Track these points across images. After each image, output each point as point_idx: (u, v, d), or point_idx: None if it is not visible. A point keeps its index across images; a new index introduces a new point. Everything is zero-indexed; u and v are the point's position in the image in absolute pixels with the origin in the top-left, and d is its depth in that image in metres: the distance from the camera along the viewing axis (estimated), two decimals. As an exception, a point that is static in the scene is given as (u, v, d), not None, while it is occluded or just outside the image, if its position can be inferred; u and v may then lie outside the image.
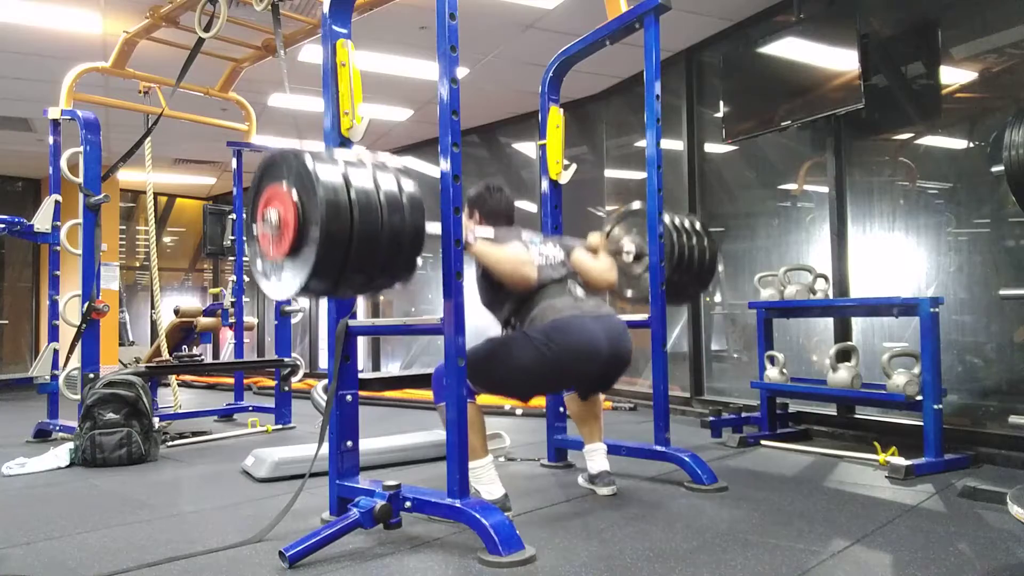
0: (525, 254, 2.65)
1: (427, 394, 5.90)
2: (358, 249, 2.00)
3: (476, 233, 2.63)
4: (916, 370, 3.28)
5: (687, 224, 3.32)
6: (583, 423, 2.97)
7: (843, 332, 4.06)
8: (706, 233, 3.36)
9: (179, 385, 5.74)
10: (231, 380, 6.35)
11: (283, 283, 2.08)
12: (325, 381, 5.06)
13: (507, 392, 2.64)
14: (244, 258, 5.50)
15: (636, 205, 3.36)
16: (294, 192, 2.02)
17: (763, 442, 3.85)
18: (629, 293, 3.31)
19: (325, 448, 2.44)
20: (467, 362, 2.51)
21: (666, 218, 3.21)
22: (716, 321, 5.32)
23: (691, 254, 3.26)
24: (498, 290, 2.68)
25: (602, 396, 3.06)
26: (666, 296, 3.13)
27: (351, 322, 2.47)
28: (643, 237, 3.25)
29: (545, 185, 3.46)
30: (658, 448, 3.08)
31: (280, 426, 4.85)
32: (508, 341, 2.60)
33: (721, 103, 4.68)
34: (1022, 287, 3.35)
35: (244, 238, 5.26)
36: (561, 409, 3.40)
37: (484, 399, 2.75)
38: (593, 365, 2.59)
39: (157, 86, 4.71)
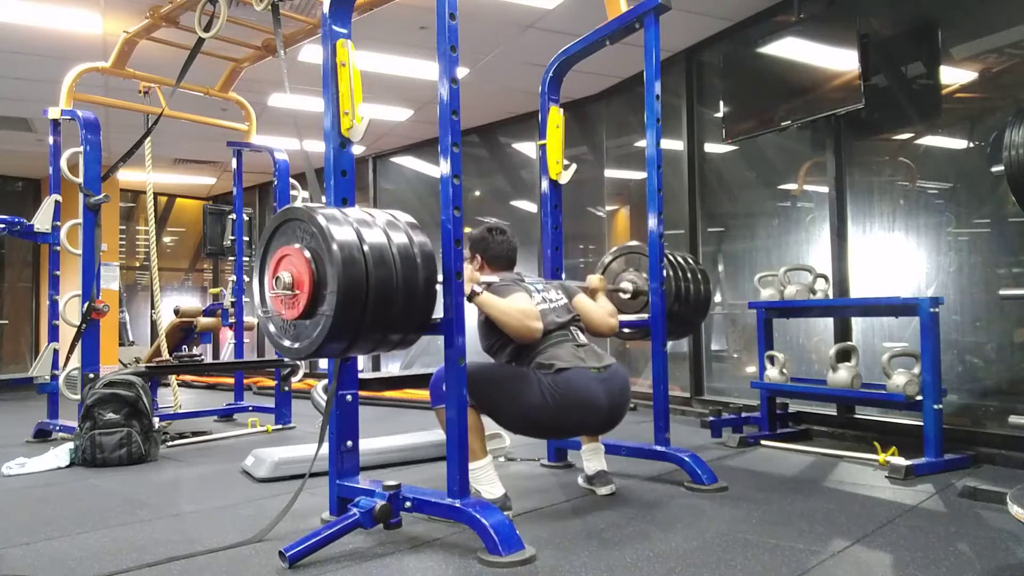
0: (530, 305, 2.63)
1: (427, 394, 5.93)
2: (374, 307, 2.00)
3: (480, 280, 2.64)
4: (916, 370, 3.28)
5: (681, 260, 3.50)
6: None
7: (843, 332, 4.06)
8: (701, 270, 3.57)
9: (179, 385, 5.74)
10: (231, 380, 6.35)
11: (298, 345, 2.08)
12: (325, 381, 5.07)
13: (500, 420, 2.62)
14: (244, 258, 5.51)
15: (632, 243, 3.58)
16: (307, 252, 2.02)
17: (763, 442, 3.85)
18: (627, 330, 3.43)
19: (325, 448, 2.44)
20: (473, 378, 2.52)
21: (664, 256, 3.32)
22: (716, 321, 5.32)
23: (688, 289, 3.45)
24: (499, 336, 2.67)
25: None
26: (667, 329, 3.20)
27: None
28: (639, 273, 3.43)
29: (545, 185, 3.47)
30: (658, 448, 3.08)
31: (280, 426, 4.85)
32: (517, 375, 2.58)
33: (721, 103, 4.68)
34: (1022, 287, 3.36)
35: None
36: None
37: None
38: (592, 417, 2.61)
39: (157, 86, 4.71)
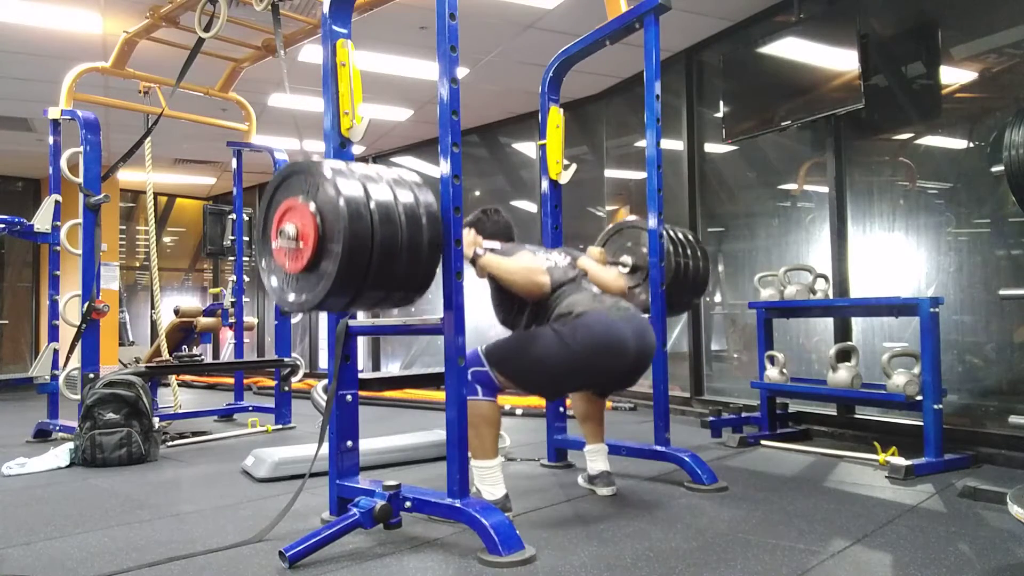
0: (535, 262, 2.64)
1: (427, 394, 5.94)
2: (379, 263, 2.00)
3: (483, 245, 2.64)
4: (916, 370, 3.28)
5: (681, 236, 3.43)
6: (586, 423, 2.96)
7: (843, 332, 4.06)
8: (700, 246, 3.49)
9: (179, 385, 5.74)
10: (231, 380, 6.35)
11: (301, 299, 2.08)
12: (325, 381, 5.06)
13: (534, 387, 2.61)
14: (244, 258, 5.51)
15: (631, 218, 3.44)
16: (312, 205, 2.02)
17: (763, 442, 3.85)
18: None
19: (325, 448, 2.44)
20: (494, 355, 2.52)
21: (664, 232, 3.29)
22: (716, 321, 5.32)
23: (687, 266, 3.37)
24: (513, 301, 2.66)
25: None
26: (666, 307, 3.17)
27: (351, 322, 2.46)
28: (638, 249, 3.35)
29: (545, 185, 3.47)
30: (658, 448, 3.08)
31: (280, 426, 4.85)
32: (534, 335, 2.57)
33: (721, 103, 4.68)
34: (1022, 287, 3.36)
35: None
36: (561, 409, 3.40)
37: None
38: (620, 362, 2.54)
39: (157, 86, 4.71)
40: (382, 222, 2.00)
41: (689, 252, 3.40)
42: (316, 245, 2.00)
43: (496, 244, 2.74)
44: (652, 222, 3.15)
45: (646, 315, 2.98)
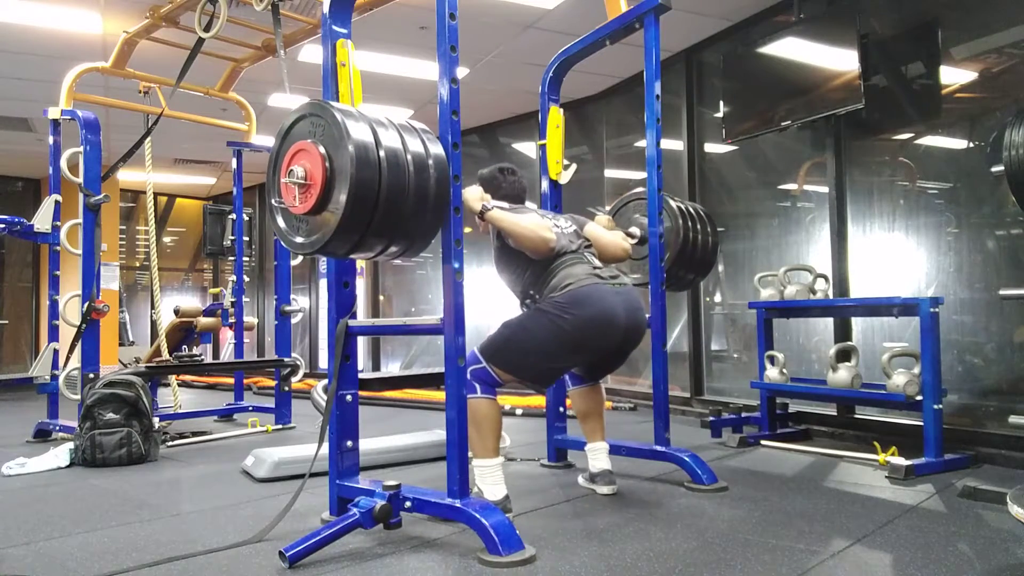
0: (543, 221, 2.67)
1: (427, 394, 5.93)
2: (385, 209, 2.01)
3: (491, 203, 2.66)
4: (916, 370, 3.28)
5: (692, 210, 3.42)
6: (587, 420, 2.96)
7: (843, 332, 4.06)
8: (711, 221, 3.48)
9: (179, 385, 5.74)
10: (231, 380, 6.35)
11: (307, 240, 2.10)
12: (325, 381, 5.06)
13: (530, 374, 2.62)
14: (244, 258, 5.51)
15: (639, 190, 3.43)
16: (321, 147, 2.03)
17: (763, 442, 3.85)
18: (635, 277, 3.37)
19: (325, 448, 2.44)
20: (488, 350, 2.54)
21: (673, 203, 3.28)
22: (716, 321, 5.32)
23: (695, 240, 3.36)
24: (518, 262, 2.69)
25: (605, 395, 3.06)
26: (668, 281, 3.18)
27: (351, 322, 2.46)
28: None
29: (545, 185, 3.47)
30: (658, 448, 3.08)
31: (280, 426, 4.85)
32: (522, 321, 2.60)
33: (721, 103, 4.68)
34: (1022, 287, 3.36)
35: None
36: (561, 409, 3.40)
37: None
38: (610, 336, 2.59)
39: (157, 86, 4.71)
40: (390, 168, 2.01)
41: (699, 227, 3.39)
42: (323, 187, 2.02)
43: (504, 204, 2.76)
44: (652, 222, 3.15)
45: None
